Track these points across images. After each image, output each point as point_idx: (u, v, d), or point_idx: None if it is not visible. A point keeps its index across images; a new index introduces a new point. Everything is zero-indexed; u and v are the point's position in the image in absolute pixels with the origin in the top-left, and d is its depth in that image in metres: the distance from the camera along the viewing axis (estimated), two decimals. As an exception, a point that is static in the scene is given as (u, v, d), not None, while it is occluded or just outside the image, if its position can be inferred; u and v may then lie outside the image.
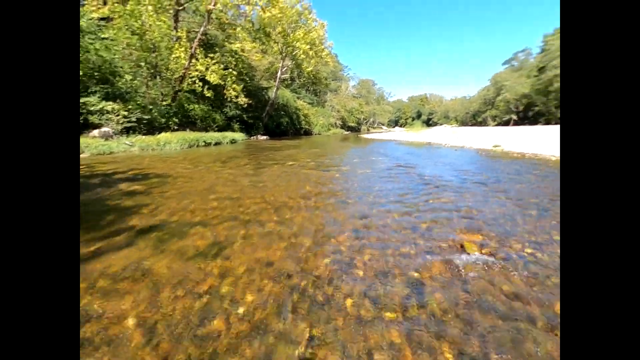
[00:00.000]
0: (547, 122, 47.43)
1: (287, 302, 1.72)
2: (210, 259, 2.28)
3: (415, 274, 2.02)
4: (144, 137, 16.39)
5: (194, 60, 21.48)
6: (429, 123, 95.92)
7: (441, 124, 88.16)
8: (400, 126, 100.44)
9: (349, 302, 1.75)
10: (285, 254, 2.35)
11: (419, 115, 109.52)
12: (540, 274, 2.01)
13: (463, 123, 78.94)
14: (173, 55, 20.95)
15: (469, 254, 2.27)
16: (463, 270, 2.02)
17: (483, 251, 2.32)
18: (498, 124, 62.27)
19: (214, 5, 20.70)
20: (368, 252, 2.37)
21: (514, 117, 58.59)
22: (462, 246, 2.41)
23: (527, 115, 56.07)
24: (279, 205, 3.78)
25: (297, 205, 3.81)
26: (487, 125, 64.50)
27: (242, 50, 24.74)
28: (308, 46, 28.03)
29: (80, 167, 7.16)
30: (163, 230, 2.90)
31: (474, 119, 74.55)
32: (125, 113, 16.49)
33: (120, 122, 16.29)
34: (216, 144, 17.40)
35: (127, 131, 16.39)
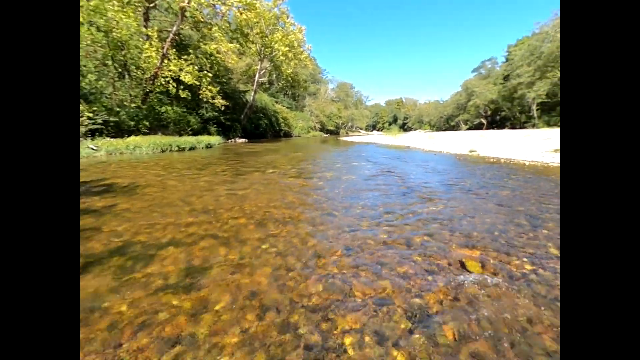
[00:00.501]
0: (513, 126, 50.50)
1: (278, 349, 1.44)
2: (183, 291, 1.94)
3: (418, 301, 1.82)
4: (111, 140, 15.29)
5: (166, 61, 20.49)
6: (404, 127, 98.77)
7: (415, 129, 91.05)
8: (378, 130, 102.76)
9: (348, 341, 1.51)
10: (272, 281, 2.06)
11: (395, 120, 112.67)
12: (547, 295, 1.88)
13: (437, 128, 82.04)
14: (144, 55, 19.88)
15: (470, 272, 2.11)
16: (469, 294, 1.85)
17: (485, 270, 2.17)
18: (469, 128, 65.43)
19: (187, 3, 19.86)
20: (363, 274, 2.15)
21: (484, 121, 61.85)
22: (462, 264, 2.25)
23: (495, 119, 59.46)
24: (262, 219, 3.47)
25: (281, 218, 3.52)
26: (460, 129, 67.45)
27: (218, 52, 23.97)
28: (287, 48, 27.78)
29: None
30: (126, 255, 2.50)
31: (448, 123, 77.75)
32: (90, 115, 15.32)
33: (85, 123, 15.10)
34: (191, 148, 16.57)
35: (92, 134, 15.23)
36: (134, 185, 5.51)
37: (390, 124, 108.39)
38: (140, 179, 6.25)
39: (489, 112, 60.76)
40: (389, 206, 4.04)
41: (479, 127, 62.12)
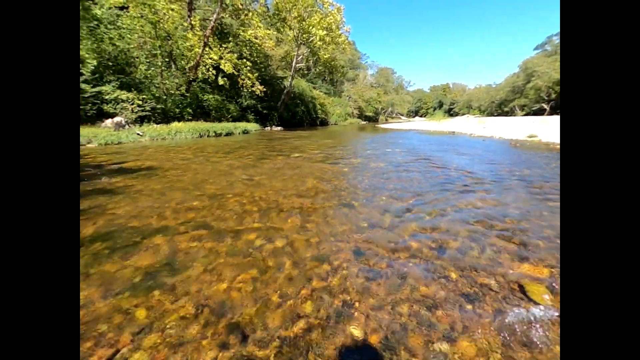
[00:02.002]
0: (584, 112, 43.39)
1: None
2: (144, 293, 1.59)
3: (445, 346, 1.22)
4: (156, 126, 16.22)
5: (207, 49, 21.03)
6: (450, 113, 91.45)
7: (463, 114, 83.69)
8: (421, 116, 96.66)
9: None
10: (251, 290, 1.61)
11: (440, 105, 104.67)
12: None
13: (488, 113, 74.50)
14: (187, 44, 20.62)
15: (534, 303, 1.43)
16: (535, 343, 1.20)
17: (557, 299, 1.47)
18: (527, 114, 58.18)
19: (226, -11, 19.92)
20: (373, 292, 1.59)
21: (545, 106, 54.37)
22: (521, 288, 1.56)
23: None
24: (268, 208, 3.05)
25: (289, 207, 3.06)
26: (515, 116, 60.40)
27: (256, 38, 23.97)
28: (324, 32, 26.82)
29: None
30: (109, 240, 2.25)
31: (500, 109, 70.02)
32: (140, 102, 16.37)
33: (135, 111, 16.21)
34: (227, 134, 16.93)
35: (142, 120, 16.31)
36: (158, 168, 5.49)
37: (434, 110, 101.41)
38: (167, 162, 6.28)
39: (553, 96, 53.08)
40: (420, 198, 3.35)
41: (538, 113, 54.77)
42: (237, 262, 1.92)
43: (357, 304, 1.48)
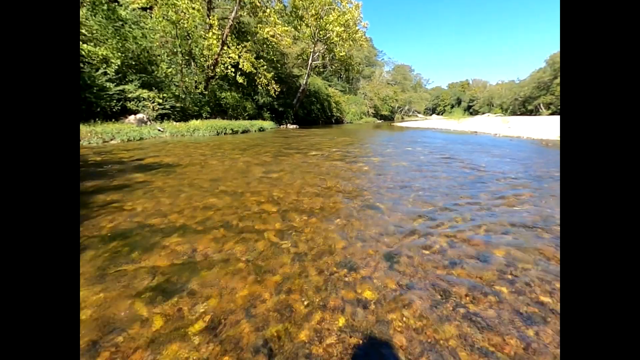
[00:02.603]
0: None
1: None
2: (162, 301, 1.47)
3: None
4: (176, 123, 16.58)
5: (225, 48, 21.27)
6: (469, 111, 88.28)
7: (483, 113, 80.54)
8: (438, 114, 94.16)
9: None
10: (272, 303, 1.46)
11: (458, 102, 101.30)
12: None
13: (510, 112, 71.39)
14: (206, 43, 20.93)
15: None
16: None
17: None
18: (552, 113, 55.40)
19: (244, -13, 20.02)
20: (409, 313, 1.40)
21: (574, 104, 51.38)
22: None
23: None
24: (288, 208, 2.90)
25: (310, 207, 2.90)
26: (540, 115, 57.58)
27: (273, 36, 24.03)
28: (342, 28, 26.53)
29: (98, 154, 6.92)
30: (127, 239, 2.17)
31: (524, 107, 66.90)
32: (160, 100, 16.76)
33: (155, 109, 16.62)
34: (244, 132, 17.05)
35: (162, 118, 16.72)
36: (177, 164, 5.49)
37: (452, 107, 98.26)
38: (186, 158, 6.29)
39: None
40: (450, 199, 3.11)
41: None
42: (257, 267, 1.78)
43: (389, 325, 1.29)
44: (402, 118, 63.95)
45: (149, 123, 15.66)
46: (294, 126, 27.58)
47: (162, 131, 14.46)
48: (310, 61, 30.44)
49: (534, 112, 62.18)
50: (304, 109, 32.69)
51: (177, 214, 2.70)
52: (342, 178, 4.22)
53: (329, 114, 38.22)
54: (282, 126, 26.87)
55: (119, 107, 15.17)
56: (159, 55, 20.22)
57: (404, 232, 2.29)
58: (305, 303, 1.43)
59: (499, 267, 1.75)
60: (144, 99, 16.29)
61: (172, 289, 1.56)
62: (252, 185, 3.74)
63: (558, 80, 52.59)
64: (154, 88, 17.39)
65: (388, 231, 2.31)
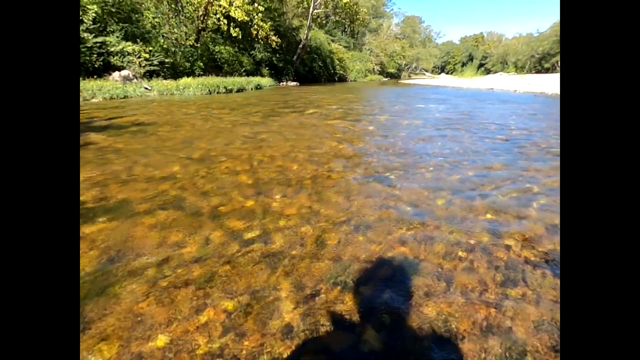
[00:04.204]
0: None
1: None
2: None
3: None
4: (165, 81, 15.27)
5: (216, -7, 18.99)
6: (482, 70, 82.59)
7: (496, 72, 75.36)
8: (447, 73, 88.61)
9: None
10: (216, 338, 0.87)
11: (470, 59, 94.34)
12: None
13: (526, 71, 66.56)
14: (193, -13, 18.66)
15: None
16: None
17: None
18: (571, 70, 51.44)
19: None
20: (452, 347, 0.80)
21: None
22: None
23: None
24: (269, 178, 2.24)
25: (298, 178, 2.24)
26: (557, 73, 53.75)
27: (269, -21, 21.36)
28: (346, -32, 23.50)
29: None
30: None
31: (540, 65, 62.17)
32: (147, 55, 15.21)
33: (142, 64, 15.16)
34: (239, 90, 15.76)
35: (150, 75, 15.33)
36: (151, 123, 4.75)
37: (463, 65, 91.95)
38: (165, 117, 5.52)
39: None
40: (480, 168, 2.41)
41: None
42: (206, 274, 1.17)
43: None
44: (409, 76, 60.41)
45: (135, 81, 14.40)
46: (295, 83, 25.84)
47: (149, 89, 13.35)
48: (311, 10, 27.55)
49: (551, 70, 57.98)
50: (304, 66, 30.55)
51: (119, 186, 2.06)
52: (342, 140, 3.48)
53: (332, 71, 35.90)
54: (281, 83, 25.16)
55: (101, 63, 13.81)
56: (142, 3, 18.14)
57: (422, 215, 1.63)
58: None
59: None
60: (129, 54, 14.77)
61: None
62: (231, 149, 3.05)
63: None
64: (139, 41, 15.74)
65: (401, 218, 1.64)
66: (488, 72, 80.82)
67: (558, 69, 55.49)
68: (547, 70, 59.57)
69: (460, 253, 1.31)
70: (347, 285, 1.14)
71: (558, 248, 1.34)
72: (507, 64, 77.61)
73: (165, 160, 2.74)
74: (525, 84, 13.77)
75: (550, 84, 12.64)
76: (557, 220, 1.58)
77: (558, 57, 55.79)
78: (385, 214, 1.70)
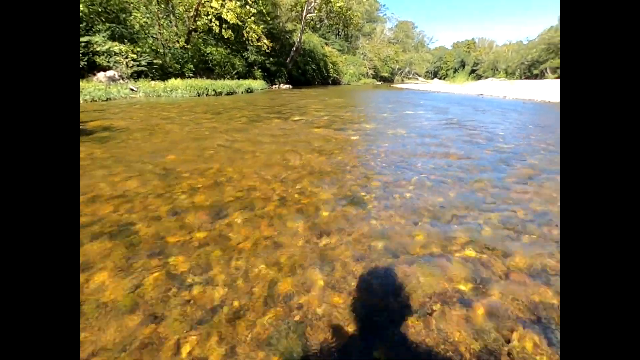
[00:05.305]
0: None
1: None
2: None
3: None
4: (152, 82, 14.84)
5: (207, -6, 18.72)
6: (473, 75, 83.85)
7: (487, 77, 76.60)
8: (440, 78, 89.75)
9: None
10: None
11: (462, 65, 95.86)
12: None
13: (516, 77, 67.74)
14: (184, -12, 18.36)
15: None
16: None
17: None
18: (558, 78, 52.72)
19: None
20: None
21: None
22: None
23: None
24: (233, 199, 2.02)
25: (265, 200, 2.02)
26: (545, 79, 54.89)
27: (262, -18, 21.19)
28: (339, -27, 23.51)
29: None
30: None
31: (529, 71, 63.37)
32: (135, 56, 14.78)
33: (130, 65, 14.71)
34: (229, 93, 15.45)
35: (138, 76, 14.89)
36: (124, 129, 4.48)
37: (455, 71, 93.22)
38: (142, 122, 5.24)
39: None
40: (465, 188, 2.24)
41: None
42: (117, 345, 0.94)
43: None
44: (402, 80, 60.91)
45: (121, 82, 13.96)
46: (287, 86, 25.61)
47: (135, 90, 12.95)
48: (304, 13, 27.48)
49: (539, 76, 59.14)
50: (298, 69, 30.39)
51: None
52: (322, 152, 3.28)
53: (325, 74, 35.87)
54: (274, 86, 24.90)
55: (85, 63, 13.36)
56: (131, 3, 17.72)
57: (396, 254, 1.44)
58: None
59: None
60: (116, 54, 14.33)
61: None
62: (200, 161, 2.82)
63: (570, 41, 48.96)
64: (126, 41, 15.33)
65: (370, 251, 1.44)
66: (479, 77, 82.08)
67: (546, 75, 56.65)
68: (535, 77, 60.79)
69: (433, 306, 1.12)
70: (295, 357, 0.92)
71: (546, 300, 1.16)
72: (497, 70, 78.98)
73: (124, 174, 2.50)
74: (514, 90, 13.86)
75: (539, 90, 12.73)
76: (547, 261, 1.40)
77: (546, 64, 56.96)
78: (354, 249, 1.49)
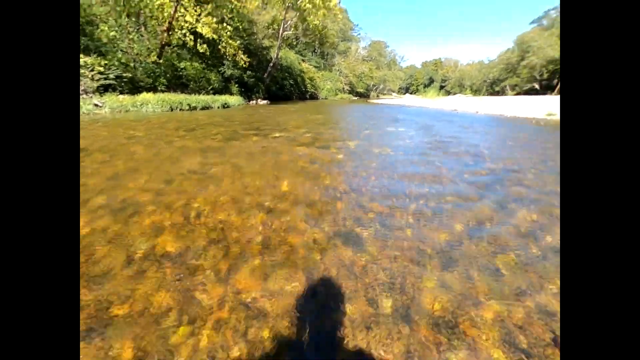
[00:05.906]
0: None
1: None
2: None
3: None
4: (121, 97, 14.00)
5: (182, 10, 18.36)
6: (442, 91, 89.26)
7: (455, 93, 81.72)
8: (411, 93, 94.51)
9: None
10: None
11: (431, 82, 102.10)
12: None
13: (481, 93, 72.84)
14: (157, 2, 17.85)
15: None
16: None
17: None
18: (517, 94, 57.08)
19: None
20: None
21: (537, 86, 52.91)
22: None
23: (552, 84, 50.30)
24: (204, 241, 1.67)
25: (243, 242, 1.68)
26: (505, 95, 59.32)
27: (238, 0, 21.21)
28: (314, -7, 24.21)
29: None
30: None
31: (492, 88, 68.44)
32: (102, 69, 13.93)
33: (96, 78, 13.81)
34: (204, 108, 14.94)
35: (105, 90, 13.97)
36: (82, 150, 3.94)
37: (425, 87, 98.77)
38: (102, 141, 4.71)
39: (545, 75, 51.34)
40: (469, 219, 2.04)
41: (529, 93, 53.39)
42: None
43: None
44: (378, 96, 63.26)
45: (84, 96, 13.03)
46: (265, 102, 25.40)
47: (100, 106, 12.12)
48: (281, 31, 27.86)
49: (501, 93, 63.86)
50: (276, 84, 30.42)
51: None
52: (305, 175, 3.00)
53: (303, 89, 36.28)
54: (251, 102, 24.57)
55: (44, 76, 12.38)
56: (98, 16, 16.96)
57: (405, 312, 1.16)
58: None
59: None
60: (80, 66, 13.43)
61: None
62: (167, 191, 2.43)
63: (525, 62, 53.50)
64: (92, 54, 14.48)
65: (371, 307, 1.16)
66: (448, 93, 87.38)
67: (507, 92, 61.20)
68: (497, 93, 65.59)
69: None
70: None
71: None
72: (464, 86, 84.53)
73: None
74: (484, 105, 14.61)
75: (506, 106, 13.48)
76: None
77: (506, 82, 61.66)
78: (352, 307, 1.20)
